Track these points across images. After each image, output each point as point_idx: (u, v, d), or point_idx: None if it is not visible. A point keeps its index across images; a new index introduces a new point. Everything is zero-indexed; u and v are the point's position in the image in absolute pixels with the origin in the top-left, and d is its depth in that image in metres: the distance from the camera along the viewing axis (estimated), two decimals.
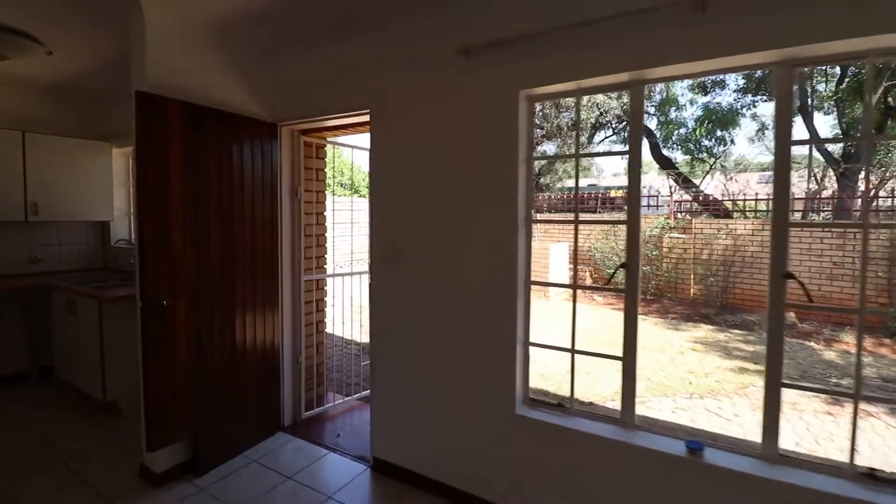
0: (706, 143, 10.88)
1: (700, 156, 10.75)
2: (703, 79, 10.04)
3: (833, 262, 7.04)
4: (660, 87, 10.18)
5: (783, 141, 1.72)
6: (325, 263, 3.60)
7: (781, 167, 1.73)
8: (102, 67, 3.37)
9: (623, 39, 1.85)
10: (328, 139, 3.35)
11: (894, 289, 6.53)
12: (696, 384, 4.54)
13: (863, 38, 1.51)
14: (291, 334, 3.19)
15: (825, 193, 9.71)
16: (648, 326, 6.74)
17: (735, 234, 7.97)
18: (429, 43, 2.34)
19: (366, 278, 2.99)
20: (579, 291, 2.27)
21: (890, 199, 8.70)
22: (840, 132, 9.27)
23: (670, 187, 10.69)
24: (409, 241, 2.48)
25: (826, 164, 9.63)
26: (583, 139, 11.11)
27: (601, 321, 6.96)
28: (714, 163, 11.47)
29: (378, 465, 2.63)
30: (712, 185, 11.72)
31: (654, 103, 10.57)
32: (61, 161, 3.88)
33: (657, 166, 11.51)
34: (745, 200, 9.67)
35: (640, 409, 2.02)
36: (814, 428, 3.65)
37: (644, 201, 9.79)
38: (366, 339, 4.29)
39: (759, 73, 9.39)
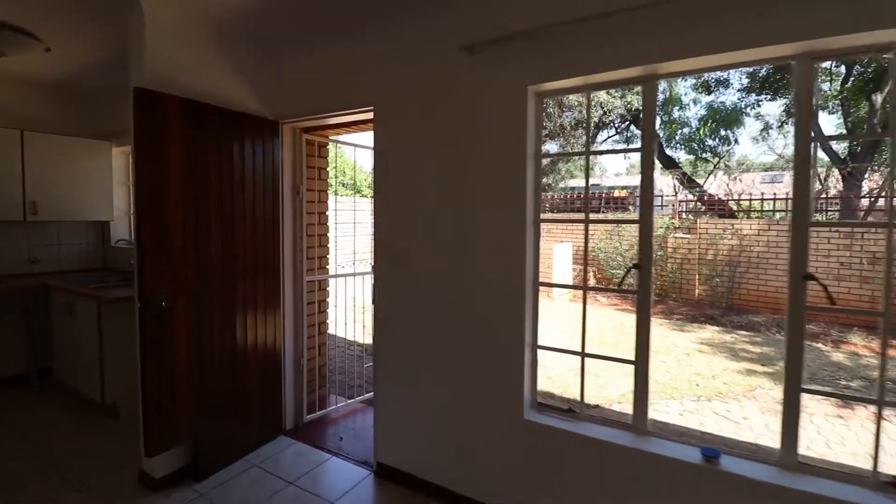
0: (710, 142, 10.83)
1: (704, 155, 10.68)
2: (706, 78, 10.00)
3: (840, 262, 6.96)
4: (662, 86, 10.12)
5: (804, 137, 1.65)
6: (328, 264, 3.55)
7: (801, 164, 1.66)
8: (102, 65, 3.32)
9: (637, 32, 1.79)
10: (330, 137, 3.30)
11: None
12: (704, 386, 4.48)
13: (888, 30, 1.45)
14: (293, 335, 3.13)
15: (825, 194, 9.62)
16: (653, 327, 6.63)
17: (741, 235, 7.88)
18: (431, 42, 2.29)
19: (369, 279, 2.94)
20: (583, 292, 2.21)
21: None
22: (845, 131, 9.19)
23: (674, 187, 10.62)
24: (414, 241, 2.43)
25: (830, 165, 9.55)
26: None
27: (605, 322, 6.90)
28: (718, 162, 11.40)
29: (382, 470, 2.58)
30: (715, 185, 11.64)
31: (657, 103, 10.48)
32: (60, 160, 3.84)
33: (660, 166, 11.44)
34: (751, 200, 9.58)
35: (649, 413, 1.96)
36: (825, 431, 3.58)
37: None
38: (369, 340, 4.25)
39: (763, 71, 9.34)
